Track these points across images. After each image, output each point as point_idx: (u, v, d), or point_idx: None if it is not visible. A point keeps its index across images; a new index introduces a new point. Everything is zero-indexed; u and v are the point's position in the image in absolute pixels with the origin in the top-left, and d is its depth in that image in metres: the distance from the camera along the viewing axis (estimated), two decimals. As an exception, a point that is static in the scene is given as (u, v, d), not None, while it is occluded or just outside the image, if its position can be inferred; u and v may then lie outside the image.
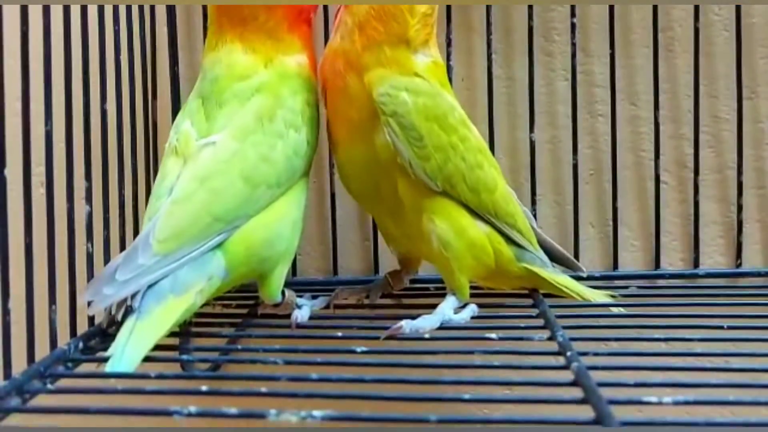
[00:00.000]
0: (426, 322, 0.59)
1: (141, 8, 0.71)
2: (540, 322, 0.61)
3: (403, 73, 0.62)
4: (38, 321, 0.54)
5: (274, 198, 0.60)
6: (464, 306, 0.64)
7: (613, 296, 0.69)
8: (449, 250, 0.62)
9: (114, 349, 0.50)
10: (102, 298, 0.52)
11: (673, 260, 0.78)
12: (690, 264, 0.78)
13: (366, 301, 0.70)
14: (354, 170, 0.65)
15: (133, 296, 0.52)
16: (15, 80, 0.51)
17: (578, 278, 0.70)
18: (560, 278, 0.68)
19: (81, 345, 0.56)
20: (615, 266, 0.77)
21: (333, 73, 0.63)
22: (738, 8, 0.74)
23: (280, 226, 0.60)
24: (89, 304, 0.53)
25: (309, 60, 0.65)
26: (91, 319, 0.61)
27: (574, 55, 0.75)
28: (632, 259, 0.79)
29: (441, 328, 0.60)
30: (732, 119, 0.76)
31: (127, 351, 0.49)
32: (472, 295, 0.65)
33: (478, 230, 0.63)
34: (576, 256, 0.76)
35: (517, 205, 0.68)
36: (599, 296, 0.68)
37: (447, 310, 0.62)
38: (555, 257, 0.71)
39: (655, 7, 0.74)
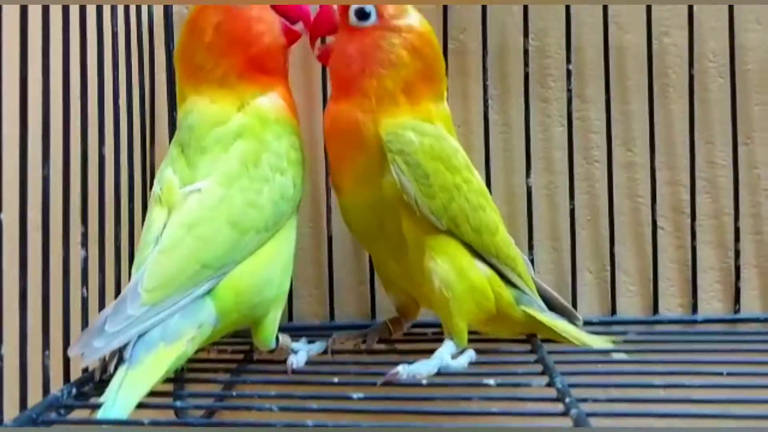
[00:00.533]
0: (423, 368, 0.59)
1: (140, 54, 0.72)
2: (538, 367, 0.61)
3: (415, 117, 0.63)
4: (31, 367, 0.53)
5: (262, 242, 0.60)
6: (462, 351, 0.63)
7: (615, 342, 0.68)
8: (450, 291, 0.62)
9: (106, 396, 0.49)
10: (92, 350, 0.51)
11: (671, 306, 0.78)
12: (688, 309, 0.77)
13: (363, 347, 0.69)
14: (359, 211, 0.66)
15: (125, 346, 0.52)
16: (13, 124, 0.52)
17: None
18: (559, 323, 0.68)
19: (74, 391, 0.56)
20: (613, 312, 0.77)
21: (344, 123, 0.64)
22: (732, 55, 0.75)
23: (269, 271, 0.60)
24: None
25: (284, 101, 0.65)
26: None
27: (570, 101, 0.76)
28: (630, 305, 0.78)
29: (438, 374, 0.59)
30: (728, 165, 0.76)
31: (120, 398, 0.49)
32: (470, 341, 0.65)
33: (479, 272, 0.64)
34: (574, 301, 0.76)
35: (517, 248, 0.68)
36: (598, 341, 0.68)
37: (445, 355, 0.61)
38: (552, 305, 0.70)
39: (649, 54, 0.75)
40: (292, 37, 0.66)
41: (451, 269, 0.62)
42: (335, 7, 0.65)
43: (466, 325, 0.63)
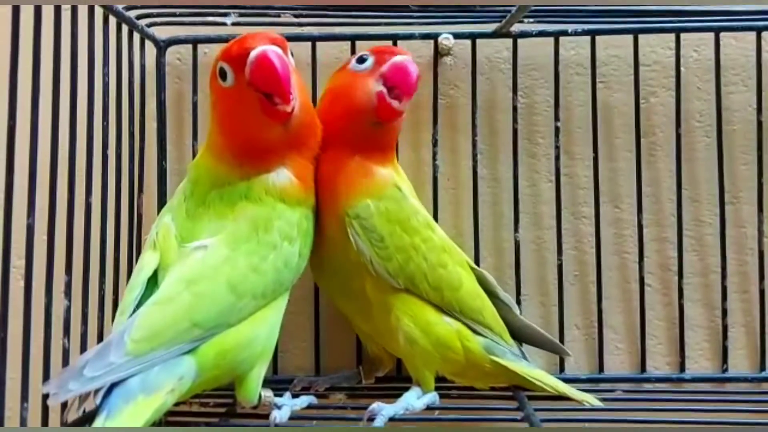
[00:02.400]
0: (391, 408, 0.62)
1: (131, 103, 0.72)
2: (524, 425, 0.60)
3: (375, 184, 0.65)
4: (9, 418, 0.52)
5: (257, 309, 0.59)
6: (426, 393, 0.66)
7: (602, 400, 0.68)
8: (415, 347, 0.65)
9: (84, 449, 0.48)
10: (65, 392, 0.50)
11: (659, 364, 0.78)
12: (676, 368, 0.77)
13: (340, 396, 0.72)
14: (329, 271, 0.68)
15: (98, 391, 0.51)
16: (-1, 173, 0.52)
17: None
18: (533, 372, 0.68)
19: (52, 444, 0.55)
20: (601, 369, 0.77)
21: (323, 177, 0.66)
22: (719, 116, 0.76)
23: (256, 331, 0.59)
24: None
25: (294, 176, 0.63)
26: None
27: (558, 158, 0.76)
28: (618, 362, 0.78)
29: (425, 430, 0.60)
30: (715, 223, 0.77)
31: None
32: (455, 396, 0.68)
33: (445, 327, 0.66)
34: (561, 358, 0.76)
35: (486, 299, 0.69)
36: (574, 392, 0.68)
37: (410, 398, 0.64)
38: (540, 342, 0.72)
39: (637, 113, 0.76)
40: (276, 117, 0.59)
41: (415, 326, 0.65)
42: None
43: (432, 375, 0.66)
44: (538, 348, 0.73)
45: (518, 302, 0.76)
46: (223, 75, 0.60)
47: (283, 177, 0.62)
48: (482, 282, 0.70)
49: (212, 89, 0.62)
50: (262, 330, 0.60)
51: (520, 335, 0.72)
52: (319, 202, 0.66)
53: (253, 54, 0.57)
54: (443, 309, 0.66)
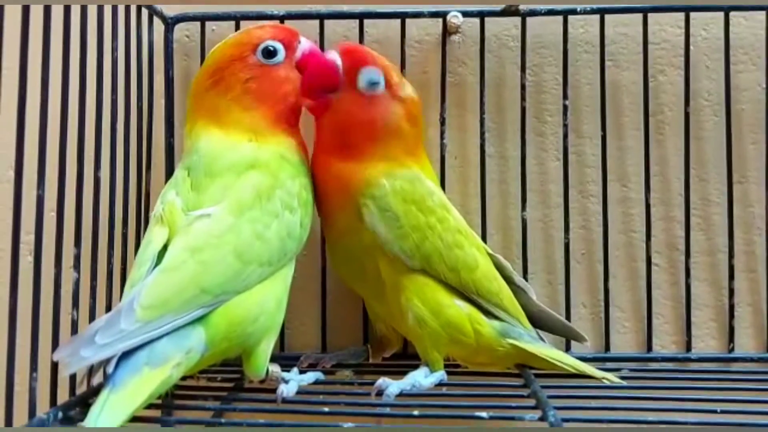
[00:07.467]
0: (398, 384, 0.62)
1: (139, 80, 0.72)
2: (531, 402, 0.60)
3: (390, 164, 0.66)
4: (18, 389, 0.52)
5: (263, 277, 0.60)
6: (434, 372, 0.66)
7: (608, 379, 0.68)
8: (424, 328, 0.65)
9: (88, 419, 0.49)
10: (78, 359, 0.51)
11: (665, 343, 0.78)
12: (682, 347, 0.77)
13: (347, 373, 0.72)
14: (343, 255, 0.69)
15: (108, 361, 0.51)
16: (9, 147, 0.52)
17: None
18: (552, 352, 0.68)
19: (60, 415, 0.55)
20: (607, 348, 0.77)
21: (327, 173, 0.67)
22: (728, 95, 0.75)
23: (264, 303, 0.60)
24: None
25: (300, 145, 0.68)
26: (72, 388, 0.59)
27: (565, 136, 0.76)
28: (624, 341, 0.78)
29: (432, 406, 0.60)
30: (722, 203, 0.77)
31: (101, 422, 0.48)
32: (462, 373, 0.68)
33: (457, 309, 0.66)
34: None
35: (502, 282, 0.69)
36: (592, 369, 0.68)
37: (417, 376, 0.64)
38: (555, 328, 0.72)
39: (645, 92, 0.76)
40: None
41: (425, 307, 0.65)
42: (340, 65, 0.66)
43: (441, 356, 0.66)
44: (554, 334, 0.73)
45: (525, 280, 0.76)
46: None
47: (291, 143, 0.66)
48: (498, 268, 0.70)
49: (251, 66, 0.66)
50: (270, 302, 0.60)
51: (537, 321, 0.71)
52: (330, 186, 0.67)
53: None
54: (459, 291, 0.66)
